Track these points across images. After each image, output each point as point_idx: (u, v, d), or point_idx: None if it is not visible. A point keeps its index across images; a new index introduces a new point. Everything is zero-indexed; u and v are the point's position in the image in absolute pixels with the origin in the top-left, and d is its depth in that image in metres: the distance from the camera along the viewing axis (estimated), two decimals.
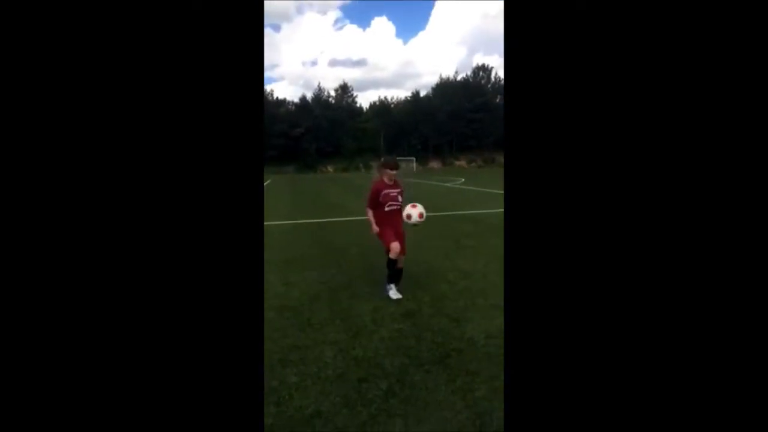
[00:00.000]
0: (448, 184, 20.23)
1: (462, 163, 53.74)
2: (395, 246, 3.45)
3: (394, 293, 3.58)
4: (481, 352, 2.60)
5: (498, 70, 59.47)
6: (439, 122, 53.73)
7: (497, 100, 56.53)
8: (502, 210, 9.64)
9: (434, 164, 52.83)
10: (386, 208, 3.54)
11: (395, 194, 3.56)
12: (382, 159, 3.77)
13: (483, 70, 59.28)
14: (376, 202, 3.55)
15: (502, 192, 14.16)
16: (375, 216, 3.59)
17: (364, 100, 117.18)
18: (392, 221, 3.58)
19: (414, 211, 3.58)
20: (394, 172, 3.60)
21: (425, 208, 3.68)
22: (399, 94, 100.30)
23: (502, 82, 57.68)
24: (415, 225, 3.62)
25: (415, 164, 49.26)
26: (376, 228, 3.54)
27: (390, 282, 3.62)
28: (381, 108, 60.08)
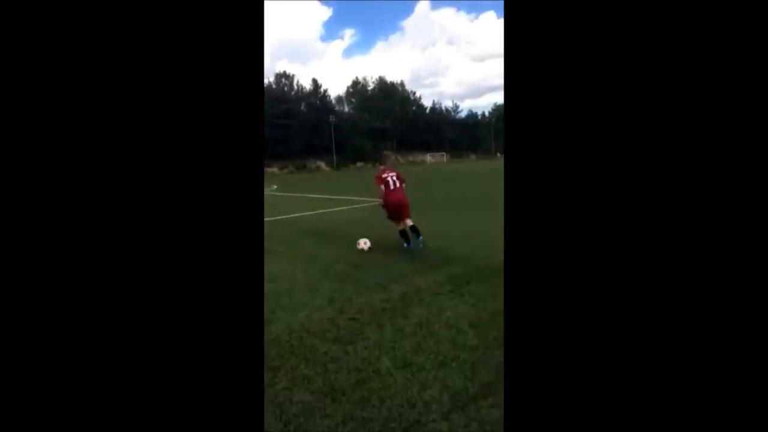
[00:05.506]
0: None
1: (274, 169, 52.94)
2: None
3: (421, 240, 5.16)
4: (284, 348, 2.71)
5: (299, 78, 60.77)
6: None
7: (301, 107, 57.94)
8: (313, 212, 10.03)
9: None
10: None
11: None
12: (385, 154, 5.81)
13: (285, 77, 59.67)
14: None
15: (314, 196, 14.65)
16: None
17: None
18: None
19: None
20: (381, 166, 5.48)
21: None
22: None
23: (306, 89, 59.79)
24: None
25: None
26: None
27: (414, 236, 5.14)
28: None
